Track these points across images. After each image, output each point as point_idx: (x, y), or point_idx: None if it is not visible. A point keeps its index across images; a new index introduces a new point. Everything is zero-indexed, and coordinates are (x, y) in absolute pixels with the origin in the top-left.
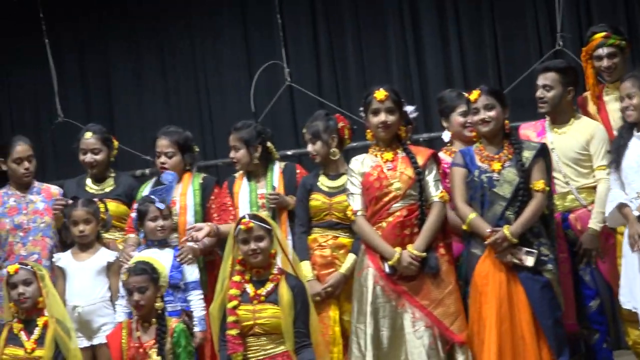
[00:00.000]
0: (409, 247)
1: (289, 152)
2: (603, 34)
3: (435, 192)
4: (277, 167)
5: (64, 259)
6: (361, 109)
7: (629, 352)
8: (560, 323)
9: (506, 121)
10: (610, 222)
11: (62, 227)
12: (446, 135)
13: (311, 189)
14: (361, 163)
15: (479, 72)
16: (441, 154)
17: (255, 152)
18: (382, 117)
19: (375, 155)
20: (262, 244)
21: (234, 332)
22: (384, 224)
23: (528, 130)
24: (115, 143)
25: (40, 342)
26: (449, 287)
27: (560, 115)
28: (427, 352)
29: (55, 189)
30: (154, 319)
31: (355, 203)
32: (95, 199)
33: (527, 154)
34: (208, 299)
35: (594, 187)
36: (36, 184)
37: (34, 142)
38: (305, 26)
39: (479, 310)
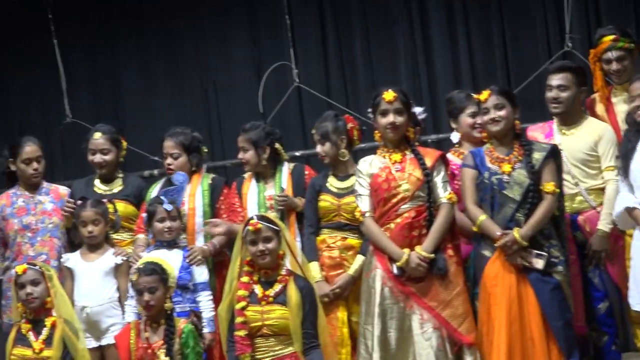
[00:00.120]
0: (417, 248)
1: (297, 153)
2: (612, 37)
3: (444, 194)
4: (286, 168)
5: (72, 259)
6: (369, 109)
7: (637, 355)
8: (570, 325)
9: (517, 122)
10: (619, 224)
11: (72, 227)
12: (454, 136)
13: (320, 190)
14: (369, 164)
15: (488, 72)
16: (449, 155)
17: (263, 153)
18: (391, 118)
19: (384, 157)
20: (270, 245)
21: (242, 333)
22: (392, 225)
23: (536, 132)
24: (124, 143)
25: (48, 342)
26: (457, 288)
27: (571, 116)
28: (435, 353)
29: (63, 190)
30: (162, 320)
31: (364, 204)
32: (105, 200)
33: (538, 156)
34: (216, 300)
35: (603, 189)
36: (45, 184)
37: (42, 142)
38: (313, 27)
39: (488, 312)
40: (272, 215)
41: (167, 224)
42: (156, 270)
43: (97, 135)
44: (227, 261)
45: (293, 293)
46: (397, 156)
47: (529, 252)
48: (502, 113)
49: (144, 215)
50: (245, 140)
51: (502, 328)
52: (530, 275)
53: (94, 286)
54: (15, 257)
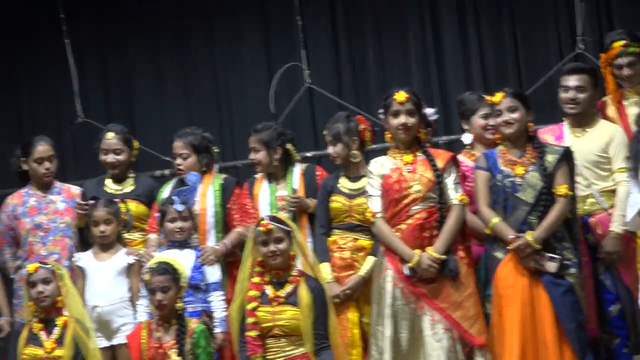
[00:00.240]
0: (429, 249)
1: (309, 154)
2: (622, 42)
3: (455, 195)
4: (298, 169)
5: (84, 258)
6: (381, 110)
7: None
8: (582, 327)
9: (530, 124)
10: (631, 226)
11: (85, 226)
12: (466, 138)
13: (331, 191)
14: (380, 165)
15: (499, 74)
16: (461, 157)
17: (275, 153)
18: (402, 119)
19: (395, 158)
20: (282, 246)
21: (253, 333)
22: (403, 226)
23: (546, 135)
24: (136, 144)
25: (60, 342)
26: (468, 290)
27: (584, 118)
28: (446, 354)
29: (75, 189)
30: (174, 320)
31: (375, 205)
32: (117, 199)
33: (551, 158)
34: (228, 300)
35: (615, 190)
36: (57, 184)
37: (54, 142)
38: (325, 28)
39: (499, 314)
40: (283, 215)
41: (179, 224)
42: (168, 269)
43: (110, 135)
44: (239, 261)
45: (304, 294)
46: (408, 157)
47: (542, 255)
48: (515, 116)
49: (156, 215)
50: (256, 140)
51: (515, 330)
52: (543, 278)
53: (106, 286)
54: (27, 257)
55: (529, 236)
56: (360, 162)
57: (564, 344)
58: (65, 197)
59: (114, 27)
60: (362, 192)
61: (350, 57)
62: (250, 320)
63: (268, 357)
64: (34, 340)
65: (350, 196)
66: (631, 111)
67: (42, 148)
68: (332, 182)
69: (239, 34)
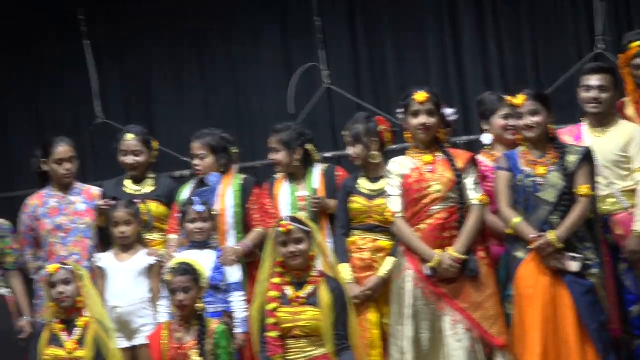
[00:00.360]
0: (449, 249)
1: (328, 155)
2: (639, 43)
3: (475, 195)
4: (318, 169)
5: (104, 259)
6: (400, 110)
7: None
8: (605, 327)
9: (551, 125)
10: None
11: (105, 227)
12: (485, 138)
13: (351, 192)
14: (400, 165)
15: (518, 74)
16: (480, 157)
17: (295, 154)
18: (422, 119)
19: (414, 158)
20: (301, 247)
21: (273, 334)
22: (423, 226)
23: (565, 136)
24: (155, 145)
25: (80, 342)
26: (488, 290)
27: (605, 117)
28: (467, 355)
29: (95, 190)
30: (194, 320)
31: (394, 205)
32: (137, 200)
33: (572, 159)
34: (248, 301)
35: (635, 190)
36: (77, 185)
37: (73, 143)
38: (344, 28)
39: (520, 314)
40: (303, 216)
41: (198, 224)
42: (189, 270)
43: (129, 136)
44: (258, 262)
45: (325, 294)
46: (427, 157)
47: (563, 255)
48: (537, 119)
49: (177, 215)
50: (276, 141)
51: (536, 330)
52: (565, 278)
53: (126, 286)
54: (47, 258)
55: (551, 235)
56: (380, 163)
57: (586, 344)
58: (85, 198)
59: (132, 28)
60: (381, 193)
61: (369, 57)
62: (270, 320)
63: (288, 358)
64: (54, 341)
65: (370, 197)
66: None
67: (63, 149)
68: (351, 183)
69: (258, 34)
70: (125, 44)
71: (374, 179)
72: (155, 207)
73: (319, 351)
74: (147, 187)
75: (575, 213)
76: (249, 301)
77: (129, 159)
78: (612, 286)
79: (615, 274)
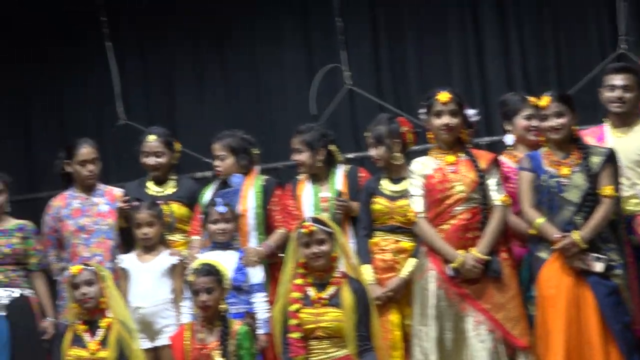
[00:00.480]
0: (473, 250)
1: (349, 156)
2: None
3: (497, 196)
4: (341, 170)
5: (127, 260)
6: (422, 110)
7: None
8: (629, 328)
9: (575, 126)
10: None
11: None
12: (508, 139)
13: (373, 193)
14: (422, 165)
15: (540, 75)
16: (503, 158)
17: (318, 154)
18: (445, 119)
19: (437, 158)
20: (324, 247)
21: (296, 335)
22: (446, 227)
23: (587, 137)
24: (178, 146)
25: (103, 343)
26: (511, 291)
27: (628, 117)
28: (490, 355)
29: (118, 191)
30: (217, 321)
31: (417, 205)
32: (160, 201)
33: (596, 160)
34: (270, 302)
35: None
36: (100, 186)
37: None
38: (365, 29)
39: (543, 315)
40: (325, 217)
41: (221, 225)
42: (212, 271)
43: (151, 137)
44: (280, 263)
45: (347, 295)
46: (450, 158)
47: (587, 255)
48: (562, 121)
49: (200, 216)
50: (300, 141)
51: (560, 331)
52: (589, 278)
53: (149, 287)
54: (70, 259)
55: (576, 235)
56: (402, 164)
57: (610, 345)
58: (108, 199)
59: (155, 29)
60: (404, 194)
61: (390, 58)
62: (293, 322)
63: (311, 359)
64: (77, 341)
65: (392, 198)
66: None
67: (86, 150)
68: (374, 184)
69: (280, 35)
70: (148, 46)
71: (396, 180)
72: (176, 208)
73: (342, 352)
74: (169, 189)
75: (599, 214)
76: (271, 302)
77: (151, 160)
78: (636, 287)
79: (639, 274)
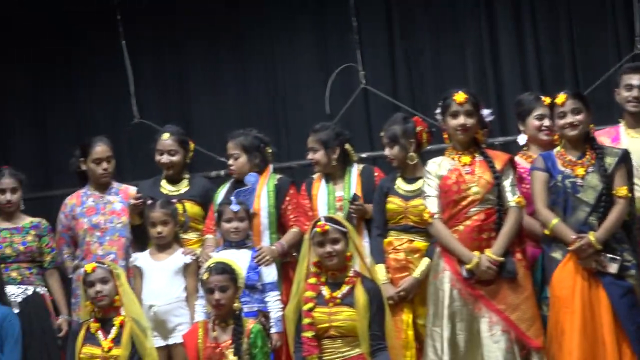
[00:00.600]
0: (487, 251)
1: (364, 155)
2: None
3: (512, 197)
4: (355, 169)
5: (141, 258)
6: (437, 111)
7: None
8: None
9: (591, 125)
10: None
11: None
12: (521, 139)
13: (388, 192)
14: (438, 165)
15: (556, 75)
16: (517, 158)
17: (333, 153)
18: (462, 119)
19: (453, 159)
20: (338, 247)
21: (309, 334)
22: (460, 228)
23: (602, 137)
24: (192, 145)
25: (117, 341)
26: (525, 292)
27: None
28: (504, 356)
29: (133, 190)
30: (231, 320)
31: (432, 205)
32: (174, 200)
33: (610, 160)
34: (283, 301)
35: None
36: (115, 184)
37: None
38: (380, 29)
39: (557, 315)
40: (339, 216)
41: (234, 224)
42: (227, 269)
43: (166, 136)
44: (294, 262)
45: (360, 295)
46: (466, 158)
47: (602, 256)
48: (580, 117)
49: (215, 215)
50: (315, 140)
51: (575, 331)
52: (603, 279)
53: (163, 285)
54: (84, 256)
55: (592, 236)
56: (417, 164)
57: (623, 345)
58: (122, 197)
59: (169, 28)
60: (418, 194)
61: (405, 57)
62: (306, 321)
63: (324, 358)
64: (91, 339)
65: (406, 197)
66: None
67: (101, 149)
68: (388, 184)
69: (295, 34)
70: (162, 45)
71: (411, 180)
72: (189, 207)
73: (355, 351)
74: (182, 187)
75: (614, 214)
76: (284, 301)
77: (164, 158)
78: None
79: None
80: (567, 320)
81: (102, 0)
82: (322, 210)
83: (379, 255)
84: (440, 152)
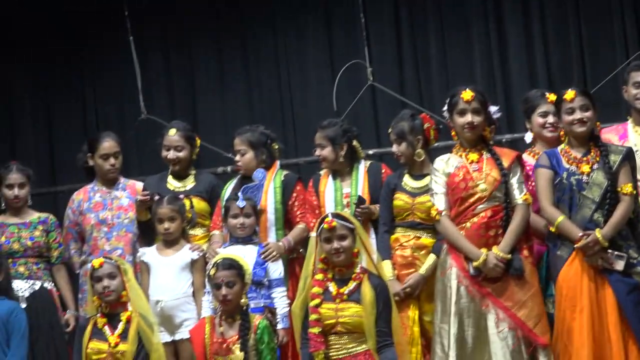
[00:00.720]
0: (495, 248)
1: (371, 152)
2: None
3: (519, 195)
4: (362, 166)
5: (148, 254)
6: (445, 108)
7: None
8: None
9: (597, 122)
10: None
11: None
12: (528, 137)
13: (395, 189)
14: (446, 163)
15: (564, 72)
16: (524, 156)
17: (340, 150)
18: (469, 117)
19: (460, 156)
20: (345, 243)
21: (316, 330)
22: (467, 225)
23: (610, 134)
24: (198, 141)
25: (123, 336)
26: (532, 289)
27: None
28: (511, 353)
29: (140, 185)
30: (237, 315)
31: (440, 203)
32: (181, 196)
33: (614, 158)
34: (289, 297)
35: None
36: (122, 180)
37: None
38: (388, 26)
39: (563, 313)
40: (347, 213)
41: (240, 220)
42: (234, 265)
43: (172, 132)
44: (301, 258)
45: (367, 291)
46: (474, 156)
47: (609, 253)
48: (588, 114)
49: (222, 211)
50: (322, 137)
51: (584, 329)
52: (610, 276)
53: (169, 281)
54: (91, 252)
55: (598, 233)
56: (424, 161)
57: (630, 342)
58: (129, 193)
59: (177, 24)
60: (425, 191)
61: (413, 54)
62: (313, 317)
63: (330, 354)
64: (98, 334)
65: (413, 194)
66: None
67: (108, 144)
68: (395, 180)
69: (302, 31)
70: (170, 41)
71: (418, 177)
72: (196, 202)
73: (361, 347)
74: (189, 184)
75: (620, 211)
76: (290, 297)
77: (170, 154)
78: None
79: None
80: (574, 318)
81: None
82: (329, 207)
83: (385, 251)
84: (447, 149)
